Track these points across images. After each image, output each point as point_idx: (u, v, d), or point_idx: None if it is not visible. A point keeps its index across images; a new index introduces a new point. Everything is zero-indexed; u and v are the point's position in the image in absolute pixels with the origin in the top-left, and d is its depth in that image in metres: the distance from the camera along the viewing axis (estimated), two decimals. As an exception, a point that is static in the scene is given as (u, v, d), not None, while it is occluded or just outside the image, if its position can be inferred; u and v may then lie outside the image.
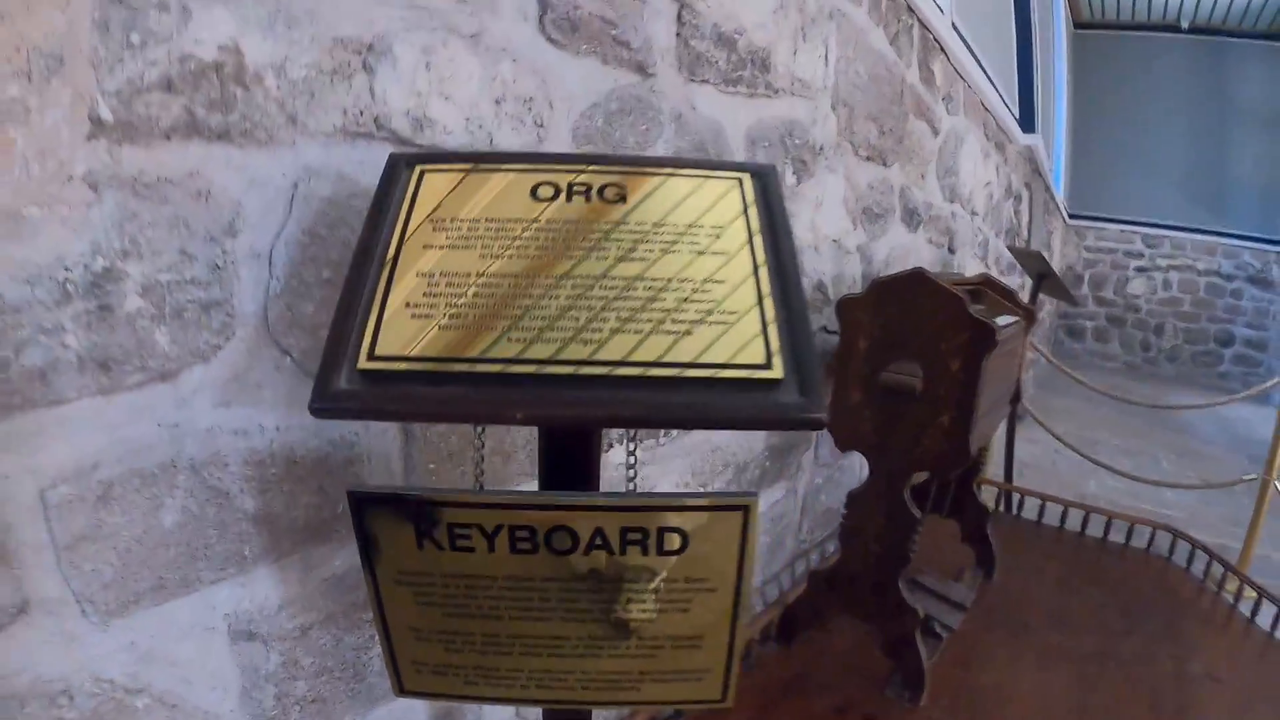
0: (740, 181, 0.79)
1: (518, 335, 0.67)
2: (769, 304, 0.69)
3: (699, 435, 1.60)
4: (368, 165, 0.89)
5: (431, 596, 0.74)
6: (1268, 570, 3.50)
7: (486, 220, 0.75)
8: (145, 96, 0.70)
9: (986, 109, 3.78)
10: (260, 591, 0.89)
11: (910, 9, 2.45)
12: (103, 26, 0.67)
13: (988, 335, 1.41)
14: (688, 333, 0.67)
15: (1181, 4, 9.66)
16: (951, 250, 3.31)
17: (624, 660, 0.76)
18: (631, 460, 0.77)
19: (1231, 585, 2.55)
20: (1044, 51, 5.96)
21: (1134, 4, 9.91)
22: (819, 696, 1.74)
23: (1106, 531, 2.88)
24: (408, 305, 0.69)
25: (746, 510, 0.69)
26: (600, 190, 0.78)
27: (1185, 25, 10.05)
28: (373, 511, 0.70)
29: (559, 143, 1.15)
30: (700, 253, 0.73)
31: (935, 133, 2.86)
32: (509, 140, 1.07)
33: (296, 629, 0.94)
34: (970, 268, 3.68)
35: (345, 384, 0.64)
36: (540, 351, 0.66)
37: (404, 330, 0.67)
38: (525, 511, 0.70)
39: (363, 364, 0.65)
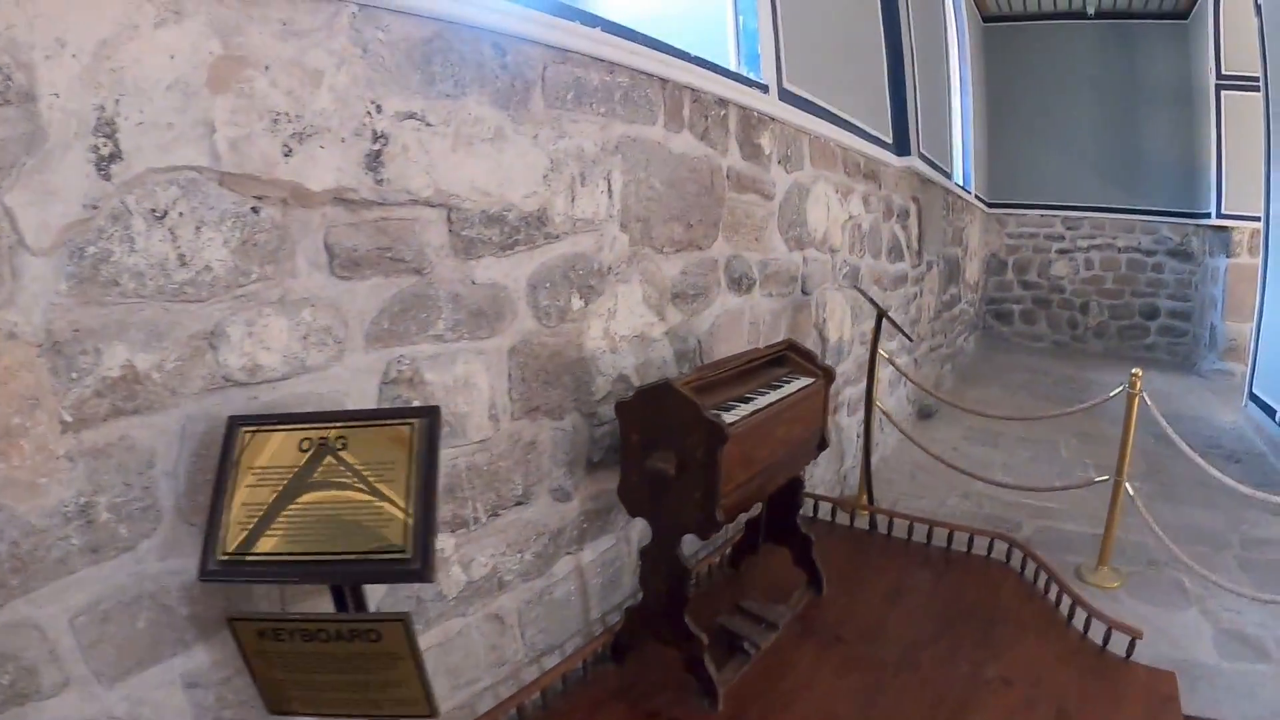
0: (414, 425, 1.25)
1: (287, 537, 1.24)
2: (412, 512, 1.16)
3: (512, 515, 2.08)
4: (225, 405, 1.42)
5: (271, 660, 1.30)
6: (1137, 554, 3.96)
7: (270, 467, 1.31)
8: (88, 402, 1.25)
9: (846, 149, 4.26)
10: (199, 658, 1.45)
11: (722, 101, 2.88)
12: (55, 372, 1.20)
13: (718, 432, 1.86)
14: (365, 532, 1.16)
15: None
16: (805, 292, 3.76)
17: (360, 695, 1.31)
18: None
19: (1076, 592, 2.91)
20: (928, 64, 6.44)
21: None
22: (639, 703, 2.19)
23: (949, 542, 3.26)
24: (236, 522, 1.28)
25: (403, 622, 1.22)
26: (336, 440, 1.30)
27: (1091, 11, 10.62)
28: (236, 622, 1.29)
29: (355, 350, 1.64)
30: (380, 481, 1.20)
31: (769, 197, 3.30)
32: (316, 359, 1.57)
33: (222, 678, 1.48)
34: (833, 300, 4.15)
35: (212, 566, 1.27)
36: (293, 546, 1.24)
37: (237, 535, 1.26)
38: (306, 622, 1.25)
39: (219, 555, 1.25)
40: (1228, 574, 3.78)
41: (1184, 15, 10.25)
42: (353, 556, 1.26)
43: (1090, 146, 10.92)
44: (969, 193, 9.16)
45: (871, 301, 4.11)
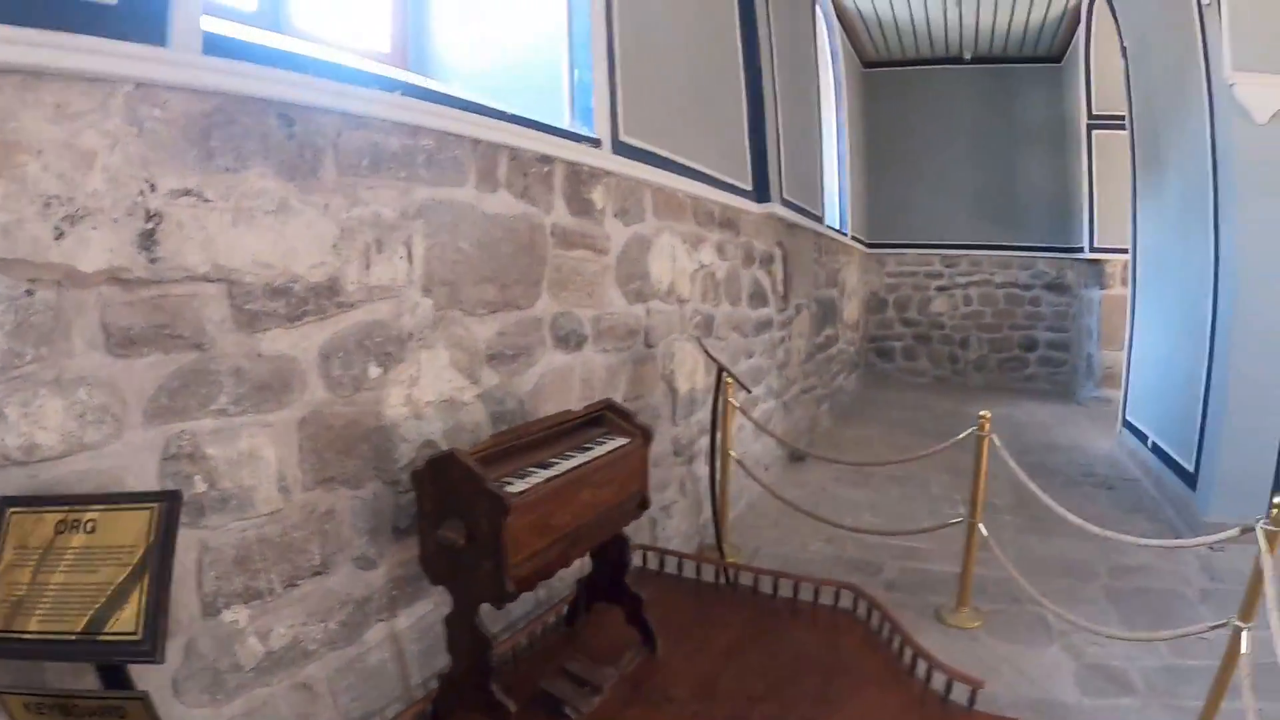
0: (153, 509, 1.37)
1: (41, 615, 1.37)
2: (146, 593, 1.27)
3: (311, 585, 2.17)
4: (5, 483, 1.50)
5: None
6: (1001, 591, 4.13)
7: (30, 548, 1.42)
8: None
9: (696, 198, 4.52)
10: None
11: (545, 159, 3.06)
12: None
13: (500, 504, 2.01)
14: (104, 611, 1.27)
15: (961, 37, 10.97)
16: (649, 345, 3.96)
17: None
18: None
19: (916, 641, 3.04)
20: (797, 111, 6.83)
21: (916, 41, 11.19)
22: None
23: (795, 593, 3.40)
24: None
25: (143, 700, 1.36)
26: (86, 524, 1.42)
27: (968, 56, 11.50)
28: (5, 695, 1.43)
29: (134, 427, 1.72)
30: (119, 563, 1.32)
31: (602, 252, 3.50)
32: (94, 437, 1.64)
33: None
34: (682, 351, 4.36)
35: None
36: (45, 625, 1.36)
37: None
38: (64, 697, 1.41)
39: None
40: (1094, 606, 4.07)
41: (1057, 59, 11.18)
42: (91, 636, 1.35)
43: (968, 186, 11.69)
44: (844, 235, 9.66)
45: (710, 356, 4.34)
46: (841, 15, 10.16)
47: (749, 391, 4.39)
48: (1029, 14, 10.08)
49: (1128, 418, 7.61)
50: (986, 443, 3.96)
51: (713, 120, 5.08)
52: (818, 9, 9.04)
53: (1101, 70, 9.60)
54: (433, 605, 2.61)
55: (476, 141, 2.69)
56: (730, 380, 4.37)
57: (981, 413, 4.07)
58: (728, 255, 5.10)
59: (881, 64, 12.04)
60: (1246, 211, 4.86)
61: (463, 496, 2.08)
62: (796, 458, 6.64)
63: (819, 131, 8.39)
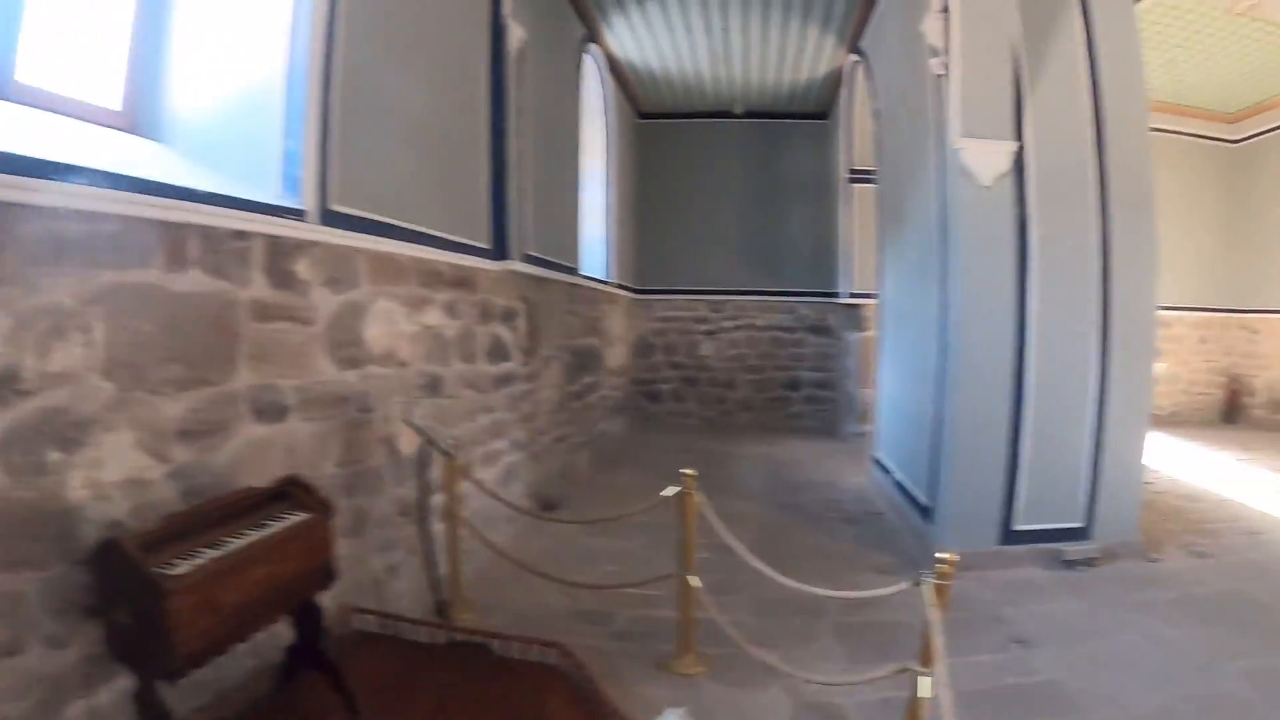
0: None
1: None
2: None
3: (2, 665, 2.28)
4: None
5: None
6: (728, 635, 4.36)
7: None
8: None
9: (422, 261, 4.87)
10: None
11: (241, 234, 3.32)
12: None
13: (157, 588, 2.27)
14: None
15: (732, 92, 12.03)
16: (365, 411, 4.25)
17: None
18: None
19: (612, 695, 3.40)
20: (552, 166, 7.32)
21: (689, 94, 12.09)
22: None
23: (508, 651, 3.73)
24: None
25: None
26: None
27: (739, 110, 12.58)
28: None
29: None
30: None
31: (308, 323, 3.77)
32: None
33: None
34: (398, 414, 4.65)
35: None
36: None
37: None
38: None
39: None
40: (822, 644, 4.54)
41: (824, 115, 12.47)
42: None
43: (736, 234, 12.78)
44: (607, 283, 10.25)
45: (413, 426, 4.65)
46: (615, 67, 10.87)
47: (448, 454, 4.68)
48: (796, 73, 11.19)
49: (876, 455, 8.52)
50: (691, 500, 4.23)
51: (448, 182, 5.43)
52: (587, 60, 9.66)
53: (862, 128, 10.70)
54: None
55: (165, 223, 2.88)
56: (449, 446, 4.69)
57: (685, 470, 4.30)
58: (460, 314, 5.44)
59: (656, 115, 12.96)
60: (969, 266, 5.74)
61: (126, 580, 2.31)
62: (547, 506, 7.02)
63: (578, 184, 8.93)
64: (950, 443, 5.82)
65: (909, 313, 7.47)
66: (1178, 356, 14.50)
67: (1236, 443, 12.14)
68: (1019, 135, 5.64)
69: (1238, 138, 14.75)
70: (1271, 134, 14.16)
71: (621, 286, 11.25)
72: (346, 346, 4.11)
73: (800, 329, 12.79)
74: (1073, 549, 5.85)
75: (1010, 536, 5.86)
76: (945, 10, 5.62)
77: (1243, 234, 14.67)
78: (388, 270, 4.52)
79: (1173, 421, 14.04)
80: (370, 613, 4.01)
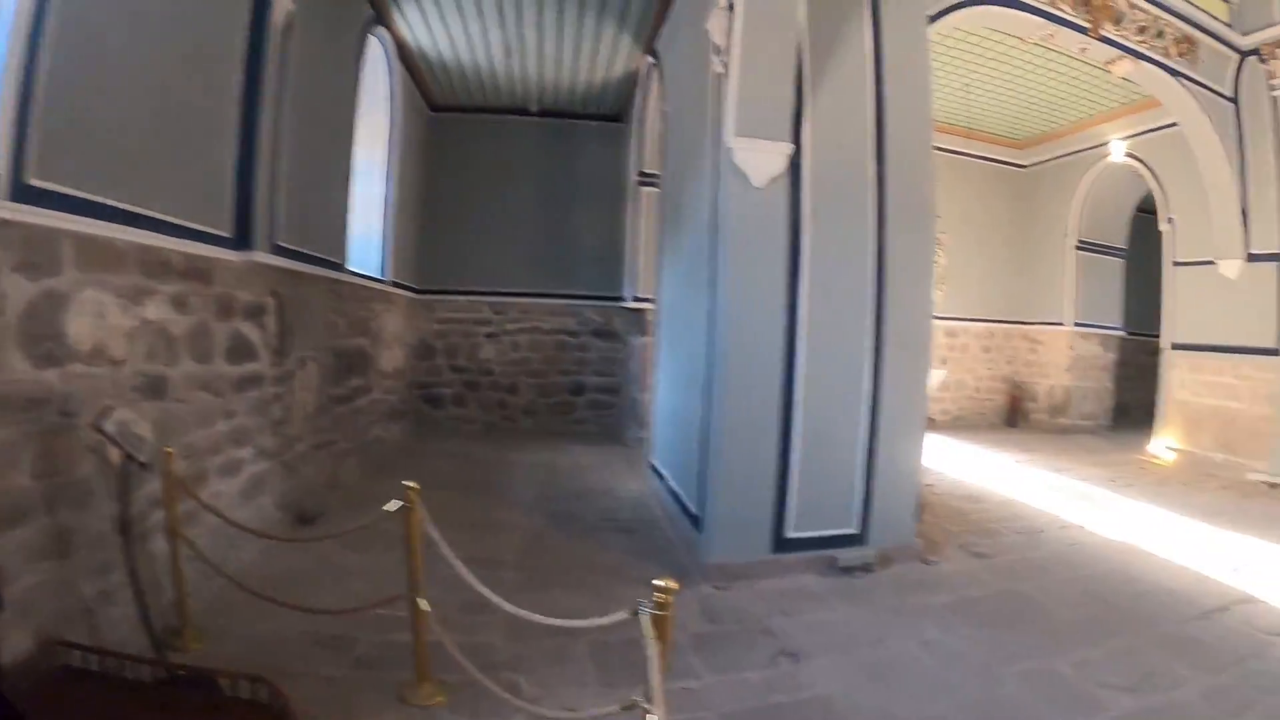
0: None
1: None
2: None
3: None
4: None
5: None
6: (479, 658, 3.99)
7: None
8: None
9: (146, 247, 4.37)
10: None
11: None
12: None
13: None
14: None
15: (526, 89, 11.76)
16: (67, 414, 3.72)
17: None
18: None
19: None
20: (316, 155, 6.86)
21: (484, 89, 11.72)
22: None
23: (222, 685, 3.34)
24: None
25: None
26: None
27: (534, 108, 12.36)
28: None
29: None
30: None
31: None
32: None
33: None
34: (123, 416, 4.11)
35: None
36: None
37: None
38: None
39: None
40: (578, 665, 4.26)
41: (619, 118, 12.38)
42: None
43: (526, 235, 12.57)
44: (381, 281, 9.77)
45: (103, 432, 4.01)
46: (405, 54, 10.41)
47: (142, 463, 4.16)
48: (593, 73, 11.03)
49: (652, 461, 8.44)
50: (416, 516, 3.99)
51: (185, 162, 4.91)
52: (373, 43, 9.24)
53: (654, 131, 10.68)
54: None
55: None
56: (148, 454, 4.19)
57: (407, 483, 4.02)
58: (192, 309, 4.93)
59: (450, 109, 12.54)
60: (738, 269, 5.69)
61: None
62: (305, 520, 6.53)
63: (349, 175, 8.41)
64: (718, 450, 5.78)
65: (682, 317, 7.47)
66: (964, 364, 15.57)
67: (1018, 445, 13.06)
68: (796, 138, 5.68)
69: (1027, 163, 16.03)
70: (1053, 162, 15.52)
71: (400, 286, 10.75)
72: (44, 341, 3.60)
73: (585, 333, 12.67)
74: (848, 555, 5.94)
75: (783, 544, 5.89)
76: (730, 8, 5.55)
77: (1028, 252, 15.98)
78: (101, 256, 4.01)
79: (958, 426, 14.92)
80: (77, 647, 3.49)
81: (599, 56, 10.44)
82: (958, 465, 10.93)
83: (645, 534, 6.95)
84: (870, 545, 6.06)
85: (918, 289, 6.18)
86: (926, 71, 6.21)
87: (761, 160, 5.55)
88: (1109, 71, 10.60)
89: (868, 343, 6.00)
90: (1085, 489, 9.60)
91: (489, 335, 12.46)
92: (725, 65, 5.62)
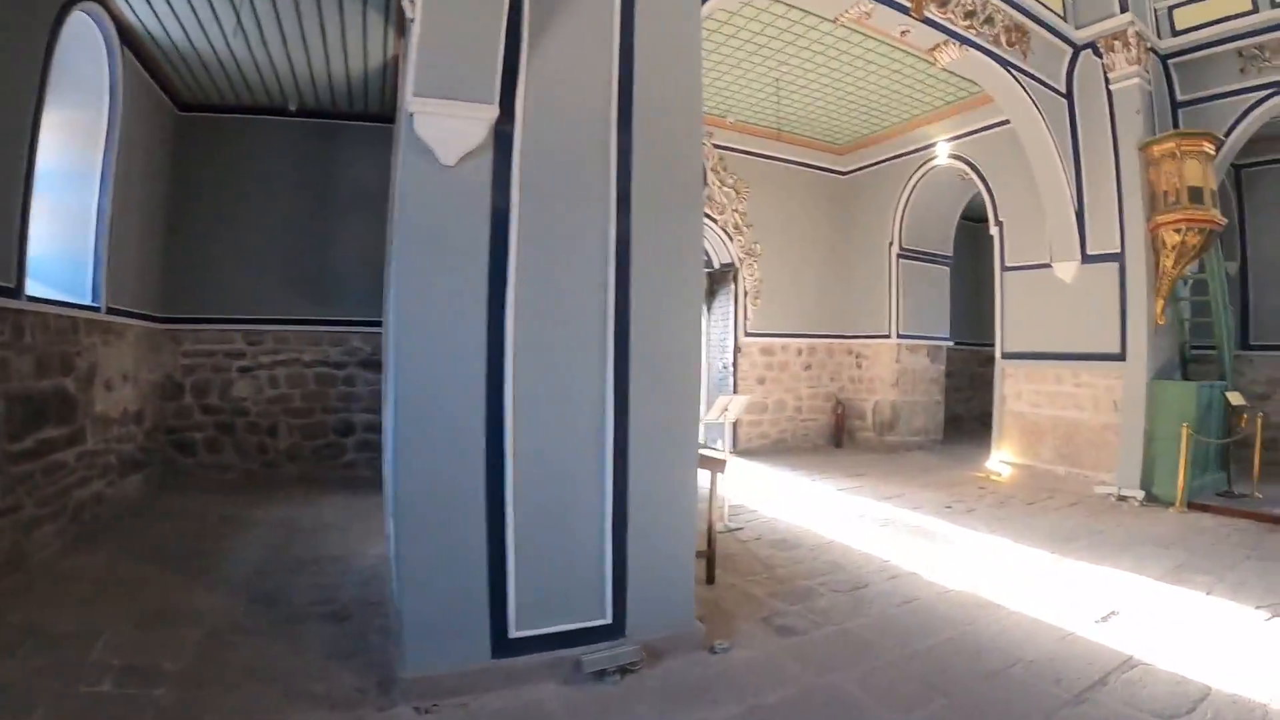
0: None
1: None
2: None
3: None
4: None
5: None
6: None
7: None
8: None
9: None
10: None
11: None
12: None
13: None
14: None
15: (281, 84, 10.20)
16: None
17: None
18: None
19: None
20: None
21: (234, 86, 10.19)
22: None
23: None
24: None
25: None
26: None
27: (293, 108, 10.83)
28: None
29: None
30: None
31: None
32: None
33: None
34: None
35: None
36: None
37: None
38: None
39: None
40: None
41: (390, 118, 10.72)
42: None
43: (283, 253, 10.98)
44: (93, 309, 8.09)
45: None
46: (133, 40, 8.82)
47: None
48: (350, 63, 9.58)
49: (388, 520, 6.94)
50: None
51: None
52: (79, 21, 7.76)
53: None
54: None
55: None
56: None
57: None
58: None
59: (202, 108, 10.86)
60: (420, 283, 4.32)
61: None
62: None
63: (27, 179, 6.75)
64: (404, 522, 4.35)
65: (388, 346, 6.11)
66: (783, 384, 14.97)
67: (844, 469, 12.36)
68: (509, 102, 4.41)
69: (847, 169, 16.01)
70: (875, 167, 15.58)
71: (130, 314, 9.04)
72: None
73: (352, 364, 11.04)
74: (597, 655, 4.57)
75: (508, 647, 4.47)
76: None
77: (850, 263, 15.81)
78: None
79: (780, 450, 14.29)
80: None
81: (349, 40, 8.95)
82: (773, 499, 9.84)
83: (361, 622, 5.45)
84: (630, 637, 4.76)
85: (679, 298, 4.89)
86: (695, 13, 4.98)
87: (454, 130, 4.22)
88: (933, 61, 10.07)
89: (607, 373, 4.68)
90: (919, 520, 8.73)
91: (243, 369, 10.72)
92: (415, 5, 4.22)
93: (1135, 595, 6.17)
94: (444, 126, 4.17)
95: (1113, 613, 5.74)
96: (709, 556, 6.19)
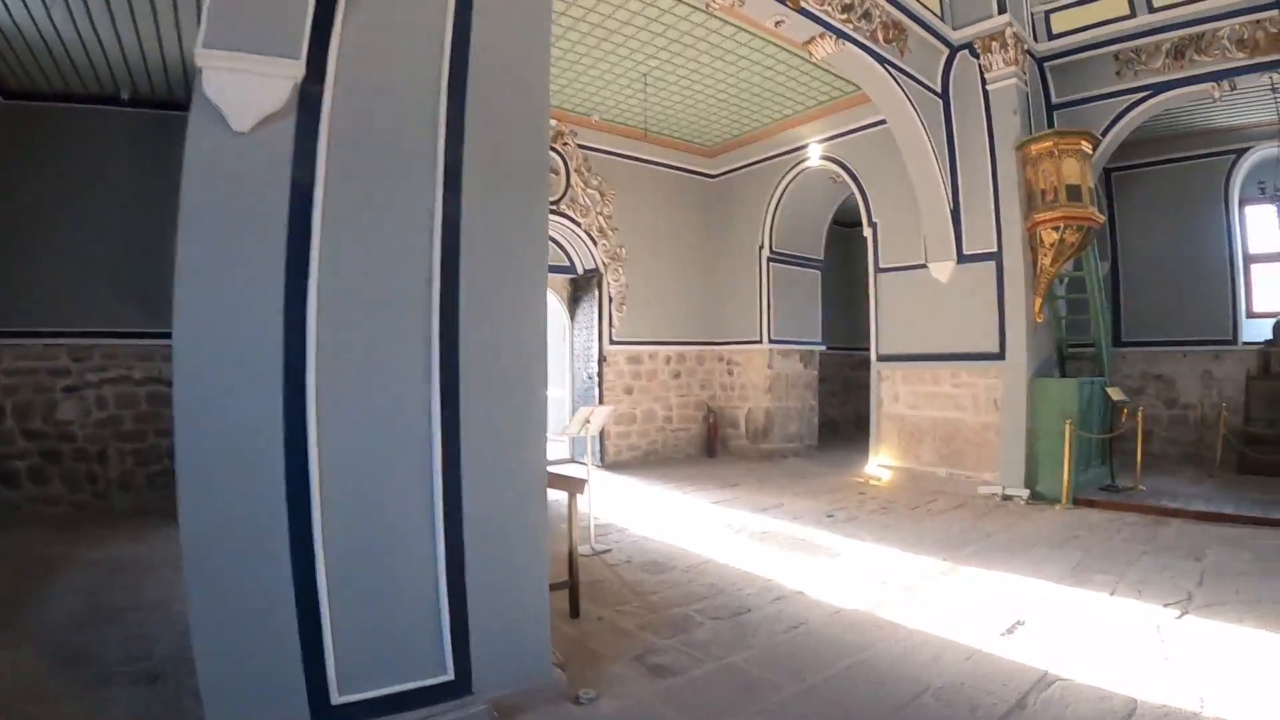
0: None
1: None
2: None
3: None
4: None
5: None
6: None
7: None
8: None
9: None
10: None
11: None
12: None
13: None
14: None
15: (113, 70, 9.23)
16: None
17: None
18: None
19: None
20: None
21: (61, 69, 9.17)
22: None
23: None
24: None
25: None
26: None
27: (126, 96, 9.84)
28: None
29: None
30: None
31: None
32: None
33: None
34: None
35: None
36: None
37: None
38: None
39: None
40: None
41: None
42: None
43: (112, 257, 9.86)
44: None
45: None
46: None
47: None
48: (181, 44, 8.54)
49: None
50: None
51: None
52: None
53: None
54: None
55: None
56: None
57: None
58: None
59: (29, 96, 9.68)
60: (203, 274, 3.58)
61: None
62: None
63: None
64: (192, 568, 3.47)
65: None
66: (652, 393, 14.36)
67: (719, 479, 11.75)
68: (318, 59, 3.62)
69: (717, 172, 15.59)
70: (742, 171, 15.30)
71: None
72: None
73: (185, 382, 9.91)
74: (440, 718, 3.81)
75: (331, 714, 3.62)
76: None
77: (720, 267, 15.31)
78: None
79: (651, 462, 13.70)
80: None
81: (182, 16, 7.91)
82: (643, 516, 9.11)
83: (174, 683, 4.46)
84: (478, 695, 3.94)
85: (520, 294, 4.15)
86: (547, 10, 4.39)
87: (248, 88, 3.42)
88: (809, 56, 9.63)
89: (433, 383, 3.88)
90: (800, 532, 8.19)
91: (69, 389, 9.52)
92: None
93: (1038, 601, 5.80)
94: (237, 85, 3.37)
95: (1018, 622, 5.33)
96: (571, 587, 5.46)
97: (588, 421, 7.62)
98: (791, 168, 13.85)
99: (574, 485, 5.48)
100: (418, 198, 3.86)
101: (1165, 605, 5.62)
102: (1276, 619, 5.28)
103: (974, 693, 4.22)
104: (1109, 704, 4.06)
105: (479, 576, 3.97)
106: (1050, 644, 4.93)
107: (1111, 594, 5.93)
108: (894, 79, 10.04)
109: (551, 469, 4.85)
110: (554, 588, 4.66)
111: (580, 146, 13.29)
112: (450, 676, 3.91)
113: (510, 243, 4.14)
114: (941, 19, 10.58)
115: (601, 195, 13.60)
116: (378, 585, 3.76)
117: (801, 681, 4.41)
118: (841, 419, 17.56)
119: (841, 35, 9.24)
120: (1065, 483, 9.54)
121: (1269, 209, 12.79)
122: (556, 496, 5.18)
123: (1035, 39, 11.00)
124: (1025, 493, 9.96)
